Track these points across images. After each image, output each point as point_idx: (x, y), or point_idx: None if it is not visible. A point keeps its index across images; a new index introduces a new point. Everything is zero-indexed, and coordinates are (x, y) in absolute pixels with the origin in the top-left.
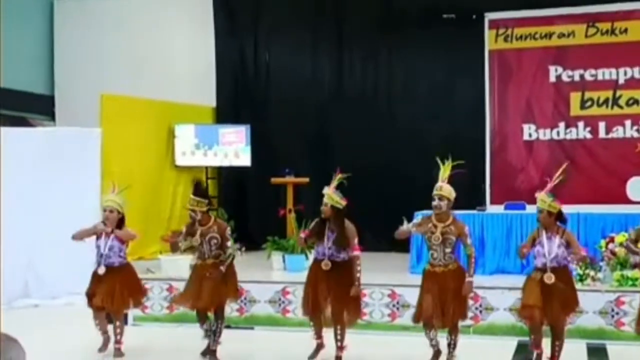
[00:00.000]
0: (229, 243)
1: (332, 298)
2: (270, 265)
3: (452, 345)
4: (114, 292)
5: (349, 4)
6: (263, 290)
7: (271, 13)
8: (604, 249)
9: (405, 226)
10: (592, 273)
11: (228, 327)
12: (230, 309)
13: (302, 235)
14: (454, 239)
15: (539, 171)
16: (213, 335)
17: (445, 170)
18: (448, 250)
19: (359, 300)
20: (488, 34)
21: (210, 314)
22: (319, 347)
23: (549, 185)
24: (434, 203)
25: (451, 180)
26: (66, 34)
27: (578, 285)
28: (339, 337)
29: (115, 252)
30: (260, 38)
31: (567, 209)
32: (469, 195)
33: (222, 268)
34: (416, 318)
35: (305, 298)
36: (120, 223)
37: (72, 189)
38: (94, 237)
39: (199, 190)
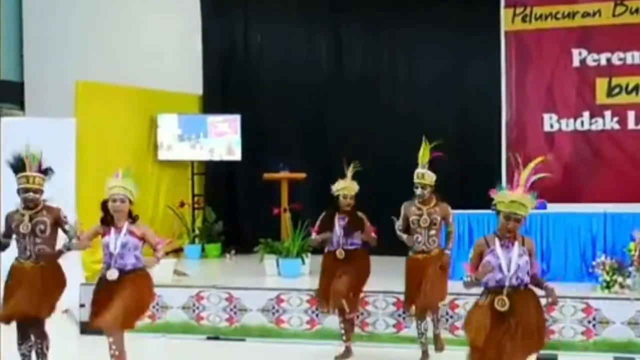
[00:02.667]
0: (67, 226)
1: (349, 288)
2: (263, 270)
3: (436, 320)
4: (128, 308)
5: None
6: (255, 298)
7: None
8: (633, 252)
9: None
10: (620, 279)
11: (216, 338)
12: (219, 319)
13: (314, 233)
14: (439, 219)
15: (561, 166)
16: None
17: (424, 155)
18: (432, 232)
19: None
20: (504, 14)
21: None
22: (348, 350)
23: (523, 181)
24: (418, 192)
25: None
26: (37, 16)
27: (604, 293)
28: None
29: (130, 250)
30: (251, 19)
31: (593, 208)
32: (483, 193)
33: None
34: (406, 307)
35: (321, 292)
36: (130, 216)
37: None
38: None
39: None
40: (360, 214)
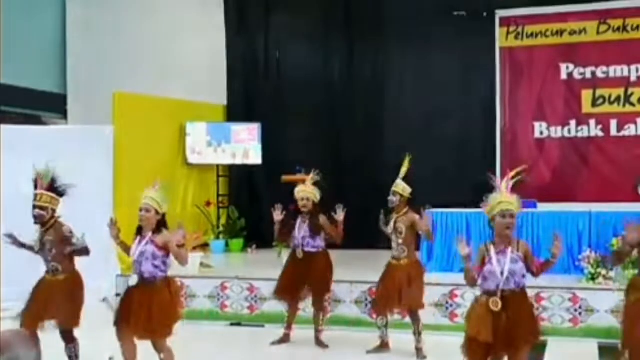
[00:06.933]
0: (74, 240)
1: (310, 287)
2: (281, 263)
3: (417, 334)
4: (145, 317)
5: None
6: (274, 288)
7: (281, 11)
8: (615, 247)
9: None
10: (603, 272)
11: (239, 324)
12: (241, 307)
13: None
14: (404, 228)
15: (550, 169)
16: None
17: (404, 166)
18: (400, 241)
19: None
20: (499, 32)
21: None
22: (286, 337)
23: (505, 184)
24: (389, 198)
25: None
26: (78, 32)
27: (589, 284)
28: (320, 322)
29: (147, 258)
30: (270, 36)
31: (579, 207)
32: (479, 193)
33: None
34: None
35: (279, 283)
36: (160, 225)
37: (84, 186)
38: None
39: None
40: (322, 218)
